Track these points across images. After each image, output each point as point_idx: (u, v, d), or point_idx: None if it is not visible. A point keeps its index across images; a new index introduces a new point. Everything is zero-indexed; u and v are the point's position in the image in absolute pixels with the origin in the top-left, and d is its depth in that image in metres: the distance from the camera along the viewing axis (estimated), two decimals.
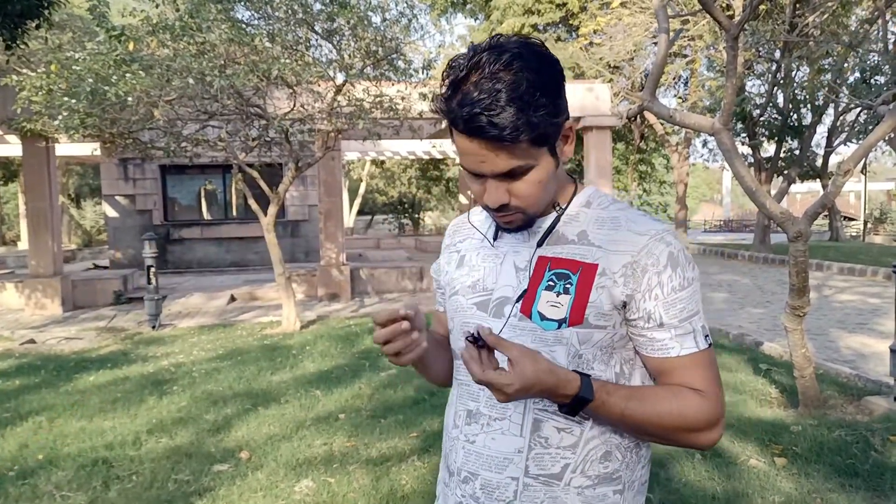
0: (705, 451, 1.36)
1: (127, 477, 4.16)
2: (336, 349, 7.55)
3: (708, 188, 61.26)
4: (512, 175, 1.15)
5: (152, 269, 9.46)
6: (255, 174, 8.77)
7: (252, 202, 8.97)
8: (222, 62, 7.62)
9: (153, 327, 9.42)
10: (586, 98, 12.32)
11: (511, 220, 1.22)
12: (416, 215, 28.78)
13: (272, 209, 8.75)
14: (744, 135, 18.19)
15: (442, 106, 1.13)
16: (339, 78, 8.69)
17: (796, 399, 5.21)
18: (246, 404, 5.54)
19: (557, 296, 1.20)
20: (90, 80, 7.14)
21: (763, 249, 18.40)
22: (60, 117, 7.50)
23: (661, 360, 1.21)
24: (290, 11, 8.15)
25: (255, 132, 9.02)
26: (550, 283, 1.21)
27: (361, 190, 30.01)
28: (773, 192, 17.84)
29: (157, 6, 8.03)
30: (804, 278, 4.84)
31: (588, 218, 1.25)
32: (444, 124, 13.61)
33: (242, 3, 8.38)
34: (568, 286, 1.20)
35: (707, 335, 1.22)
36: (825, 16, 12.51)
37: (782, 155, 18.32)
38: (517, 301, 1.23)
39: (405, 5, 8.88)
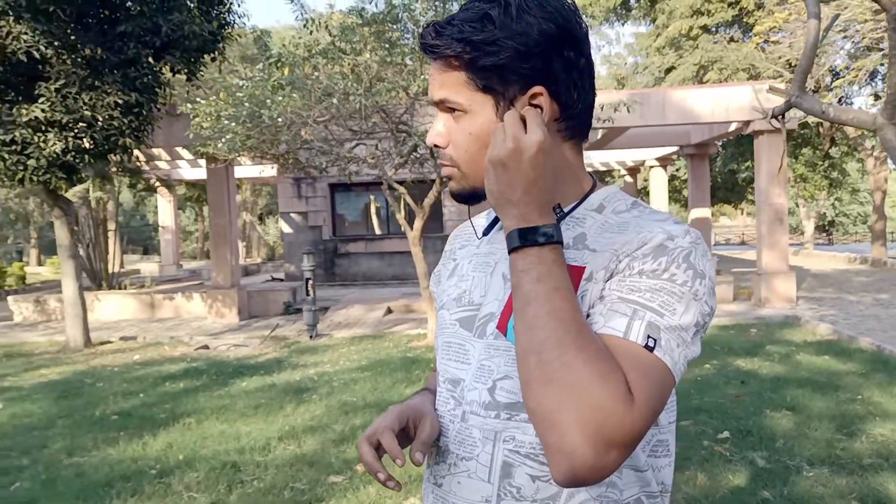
0: (570, 477, 0.82)
1: (249, 482, 4.33)
2: None
3: None
4: (446, 108, 1.03)
5: (310, 282, 9.95)
6: (403, 190, 8.96)
7: (400, 217, 9.17)
8: (368, 82, 7.87)
9: (311, 337, 9.88)
10: (756, 100, 11.44)
11: (447, 173, 1.07)
12: None
13: (418, 223, 8.89)
14: None
15: None
16: None
17: None
18: (374, 415, 5.61)
19: None
20: (247, 104, 7.64)
21: None
22: (224, 140, 8.09)
23: None
24: None
25: (406, 149, 9.23)
26: None
27: None
28: None
29: (310, 33, 8.46)
30: None
31: (595, 222, 1.03)
32: (598, 135, 13.19)
33: (392, 24, 8.63)
34: None
35: (656, 339, 0.87)
36: None
37: None
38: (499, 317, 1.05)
39: None
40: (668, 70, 20.92)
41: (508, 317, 1.01)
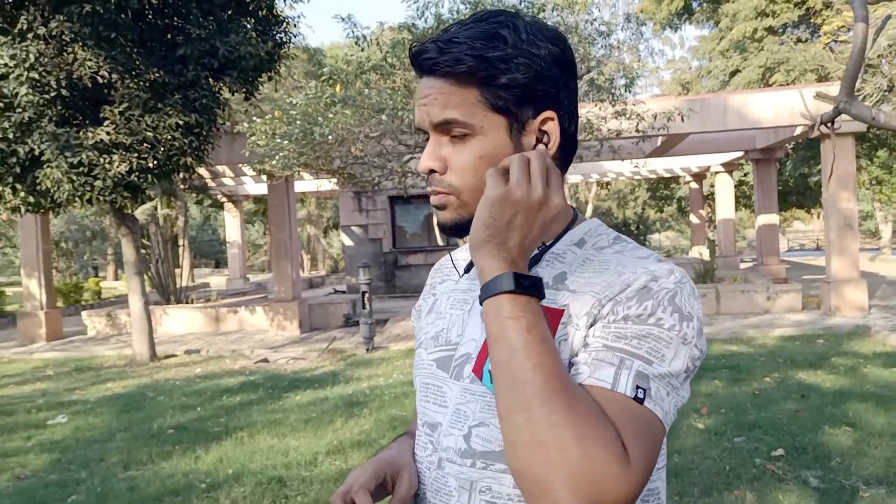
0: None
1: (293, 497, 4.39)
2: None
3: None
4: (449, 131, 0.96)
5: (367, 295, 10.05)
6: None
7: None
8: None
9: (367, 349, 9.98)
10: (821, 104, 11.04)
11: (442, 202, 0.99)
12: (642, 238, 27.67)
13: None
14: None
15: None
16: None
17: None
18: None
19: None
20: (299, 122, 7.81)
21: None
22: (278, 157, 8.28)
23: None
24: None
25: None
26: None
27: (588, 213, 29.66)
28: None
29: (361, 50, 8.59)
30: None
31: (575, 259, 0.99)
32: (657, 142, 12.93)
33: None
34: None
35: (644, 389, 0.83)
36: None
37: None
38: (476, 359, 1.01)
39: (599, 23, 8.65)
40: (734, 73, 20.38)
41: (484, 360, 0.96)
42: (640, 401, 0.83)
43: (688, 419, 5.55)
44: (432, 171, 0.98)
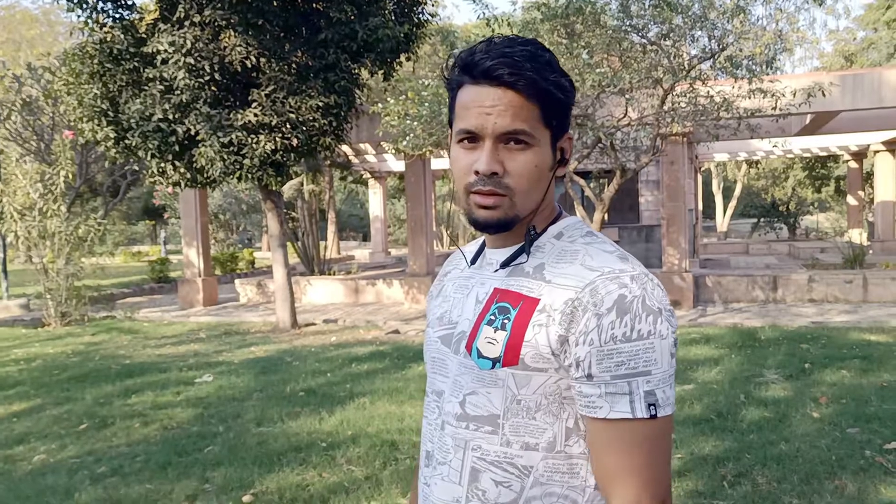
0: None
1: (402, 460, 4.66)
2: None
3: None
4: (511, 141, 1.08)
5: None
6: (582, 182, 8.96)
7: (579, 208, 9.17)
8: None
9: None
10: None
11: (496, 202, 1.10)
12: (792, 219, 26.03)
13: (597, 216, 8.85)
14: None
15: (462, 56, 1.12)
16: (668, 81, 8.42)
17: None
18: None
19: (495, 331, 1.12)
20: (427, 103, 8.04)
21: None
22: (409, 137, 8.58)
23: (590, 420, 1.06)
24: (621, 20, 8.22)
25: (589, 140, 9.20)
26: (492, 317, 1.14)
27: (737, 192, 28.24)
28: None
29: (493, 31, 8.68)
30: None
31: (552, 250, 1.15)
32: (806, 120, 12.15)
33: (575, 17, 8.61)
34: (506, 321, 1.11)
35: (654, 404, 1.02)
36: None
37: None
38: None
39: None
40: None
41: (475, 337, 1.15)
42: (655, 416, 1.03)
43: (804, 408, 5.36)
44: (493, 174, 1.09)
